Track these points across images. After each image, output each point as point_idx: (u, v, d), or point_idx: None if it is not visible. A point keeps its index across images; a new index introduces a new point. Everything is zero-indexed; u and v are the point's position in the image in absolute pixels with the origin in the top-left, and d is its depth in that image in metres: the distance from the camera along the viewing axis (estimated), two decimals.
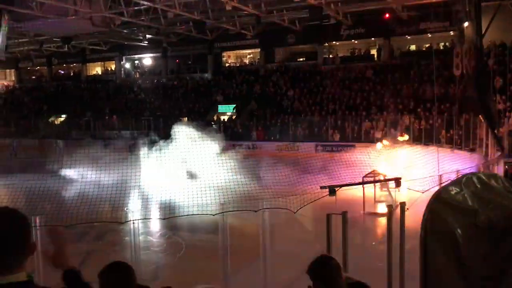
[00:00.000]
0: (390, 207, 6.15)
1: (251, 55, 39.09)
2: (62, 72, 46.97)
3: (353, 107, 28.22)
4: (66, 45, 34.93)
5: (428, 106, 24.68)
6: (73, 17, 25.57)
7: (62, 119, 39.19)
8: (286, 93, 32.12)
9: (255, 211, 6.56)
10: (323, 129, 27.81)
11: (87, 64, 44.43)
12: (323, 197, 6.83)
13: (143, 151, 19.88)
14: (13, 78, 48.43)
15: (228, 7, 25.72)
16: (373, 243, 10.67)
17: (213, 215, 6.88)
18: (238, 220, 9.55)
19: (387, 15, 28.77)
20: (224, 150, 18.23)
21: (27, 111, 40.66)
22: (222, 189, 12.69)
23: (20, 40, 33.72)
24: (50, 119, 39.01)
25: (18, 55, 42.22)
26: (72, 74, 46.17)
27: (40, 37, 33.54)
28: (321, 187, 6.55)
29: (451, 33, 28.53)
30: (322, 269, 2.78)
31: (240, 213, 7.86)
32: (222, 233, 6.39)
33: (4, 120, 39.17)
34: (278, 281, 7.23)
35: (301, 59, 35.73)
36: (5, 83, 48.04)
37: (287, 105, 30.99)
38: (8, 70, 48.00)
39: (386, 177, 13.51)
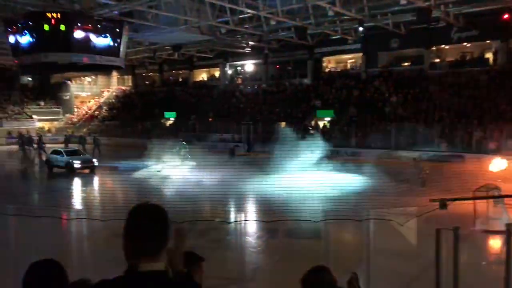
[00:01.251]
0: (510, 226, 5.60)
1: (352, 60, 38.34)
2: (172, 78, 50.39)
3: (463, 115, 26.23)
4: (176, 53, 37.45)
5: None
6: (183, 26, 27.36)
7: (171, 121, 42.00)
8: (389, 99, 30.93)
9: (359, 221, 6.40)
10: (429, 137, 26.23)
11: (194, 70, 47.17)
12: (433, 210, 6.43)
13: (243, 155, 20.62)
14: (129, 83, 53.17)
15: (331, 13, 25.60)
16: (483, 263, 9.84)
17: (316, 222, 6.85)
18: (338, 228, 9.42)
19: (506, 16, 26.32)
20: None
21: (141, 114, 44.33)
22: (322, 196, 12.59)
23: (136, 49, 36.93)
24: (161, 121, 42.04)
25: (134, 63, 46.27)
26: (180, 80, 49.34)
27: (153, 46, 36.40)
28: (431, 200, 6.16)
29: None
30: (314, 281, 2.75)
31: (340, 221, 7.73)
32: (324, 240, 6.35)
33: (121, 121, 43.26)
34: None
35: (406, 64, 34.17)
36: (123, 88, 52.91)
37: (389, 111, 29.82)
38: (126, 76, 52.81)
39: (501, 193, 12.31)
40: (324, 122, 33.07)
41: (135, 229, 1.90)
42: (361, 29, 27.31)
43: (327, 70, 38.93)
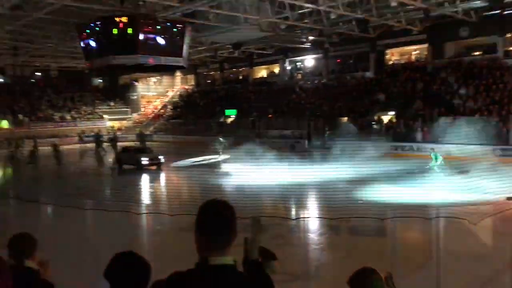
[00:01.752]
0: None
1: (417, 52, 36.78)
2: (232, 75, 51.18)
3: None
4: (236, 51, 37.93)
5: None
6: (243, 24, 27.64)
7: (232, 119, 42.73)
8: (457, 91, 29.34)
9: (429, 219, 6.13)
10: (503, 131, 24.59)
11: (254, 67, 47.57)
12: (510, 209, 6.01)
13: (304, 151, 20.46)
14: (192, 82, 54.70)
15: (393, 3, 24.72)
16: None
17: (382, 219, 6.66)
18: (405, 226, 9.09)
19: None
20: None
21: (203, 112, 45.49)
22: (387, 193, 12.19)
23: (198, 48, 37.88)
24: (221, 119, 42.89)
25: (196, 62, 47.52)
26: (240, 77, 49.99)
27: (214, 45, 37.13)
28: (508, 198, 5.73)
29: None
30: (361, 282, 2.69)
31: (408, 218, 7.43)
32: (391, 238, 6.17)
33: (185, 120, 44.71)
34: None
35: (477, 53, 32.20)
36: (186, 87, 54.55)
37: (458, 104, 28.29)
38: (188, 76, 54.38)
39: None
40: (388, 116, 32.05)
41: (204, 225, 2.01)
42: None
43: (390, 62, 37.68)
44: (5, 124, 42.09)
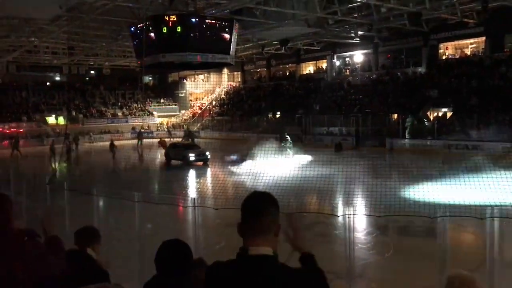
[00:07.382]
0: None
1: (474, 45, 35.04)
2: (279, 72, 51.05)
3: None
4: (283, 47, 37.76)
5: None
6: (291, 20, 27.44)
7: (278, 115, 42.66)
8: None
9: (481, 219, 5.82)
10: None
11: (301, 63, 47.19)
12: None
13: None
14: (239, 79, 55.11)
15: None
16: None
17: (431, 217, 6.39)
18: (457, 227, 8.70)
19: None
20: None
21: (249, 109, 45.71)
22: (439, 191, 11.71)
23: (245, 45, 38.07)
24: (268, 116, 42.90)
25: (243, 59, 47.80)
26: (287, 74, 49.76)
27: (261, 41, 37.18)
28: None
29: None
30: None
31: (460, 218, 7.08)
32: (440, 238, 5.90)
33: (231, 116, 45.14)
34: None
35: None
36: (233, 84, 55.05)
37: None
38: (235, 73, 54.84)
39: None
40: (441, 113, 30.82)
41: (244, 215, 2.03)
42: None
43: (444, 57, 36.15)
44: (61, 120, 44.41)
